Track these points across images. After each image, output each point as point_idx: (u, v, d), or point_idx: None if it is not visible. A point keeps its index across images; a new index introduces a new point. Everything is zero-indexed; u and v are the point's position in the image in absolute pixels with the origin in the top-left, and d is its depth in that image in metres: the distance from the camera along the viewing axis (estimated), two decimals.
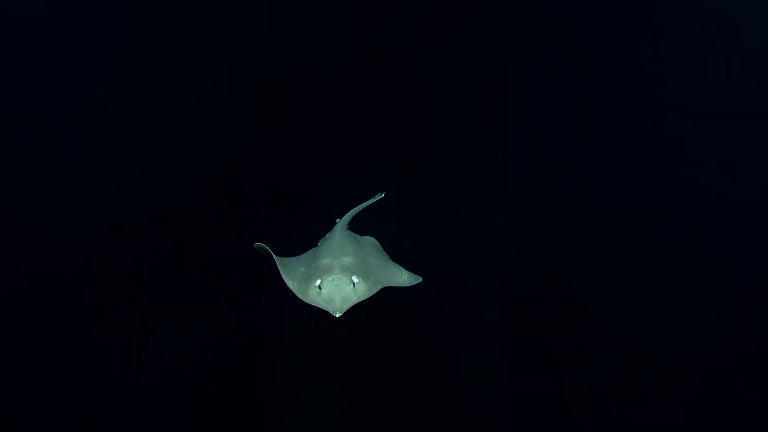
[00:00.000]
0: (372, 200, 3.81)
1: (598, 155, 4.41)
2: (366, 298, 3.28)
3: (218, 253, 3.77)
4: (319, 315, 3.27)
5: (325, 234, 3.71)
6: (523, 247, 3.92)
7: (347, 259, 3.36)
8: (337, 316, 3.12)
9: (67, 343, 3.45)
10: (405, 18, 4.78)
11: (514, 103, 4.58)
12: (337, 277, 3.22)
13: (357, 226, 3.82)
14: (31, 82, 4.36)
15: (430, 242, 3.84)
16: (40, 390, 3.31)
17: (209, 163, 4.17)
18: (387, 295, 3.40)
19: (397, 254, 3.71)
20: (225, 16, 4.66)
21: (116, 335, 3.49)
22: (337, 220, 3.75)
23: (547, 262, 3.90)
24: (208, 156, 4.20)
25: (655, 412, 3.41)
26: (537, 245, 3.97)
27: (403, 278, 3.54)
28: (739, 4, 5.02)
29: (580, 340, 3.61)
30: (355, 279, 3.24)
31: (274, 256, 3.38)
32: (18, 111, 4.28)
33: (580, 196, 4.22)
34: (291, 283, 3.34)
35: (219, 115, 4.37)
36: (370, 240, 3.80)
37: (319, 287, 3.22)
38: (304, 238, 3.75)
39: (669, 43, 4.89)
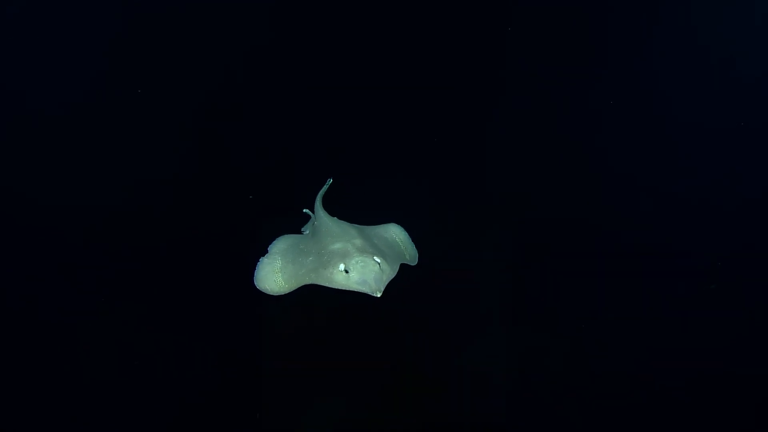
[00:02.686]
0: (326, 186, 3.87)
1: (595, 152, 4.44)
2: (392, 277, 3.26)
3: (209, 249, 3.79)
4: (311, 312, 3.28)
5: (297, 225, 3.76)
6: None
7: (358, 242, 3.35)
8: (378, 295, 3.10)
9: (66, 344, 3.46)
10: (403, 16, 4.77)
11: (511, 101, 4.59)
12: (361, 259, 3.20)
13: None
14: (31, 82, 4.35)
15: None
16: (35, 392, 3.32)
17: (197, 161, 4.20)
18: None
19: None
20: (226, 18, 4.66)
21: (113, 337, 3.49)
22: (305, 210, 3.77)
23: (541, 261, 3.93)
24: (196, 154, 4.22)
25: (656, 406, 3.44)
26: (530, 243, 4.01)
27: (407, 257, 3.59)
28: (741, 5, 5.03)
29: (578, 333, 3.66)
30: (377, 259, 3.22)
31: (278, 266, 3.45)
32: (17, 110, 4.27)
33: (578, 194, 4.24)
34: (306, 278, 3.32)
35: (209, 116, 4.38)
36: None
37: (346, 271, 3.20)
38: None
39: (666, 46, 4.90)
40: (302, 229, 3.78)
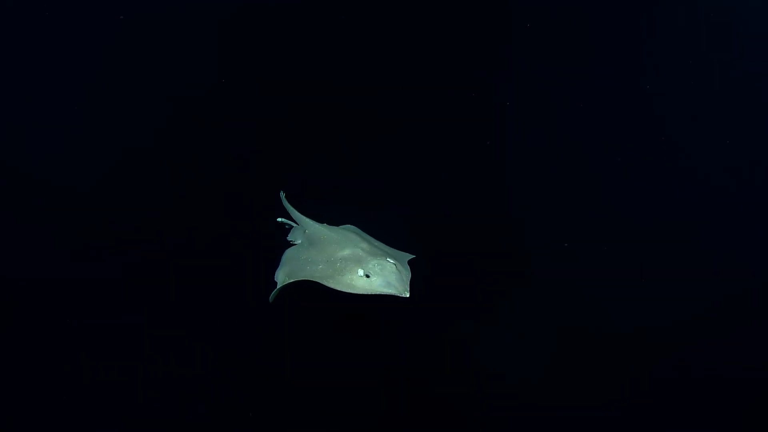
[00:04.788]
0: (284, 199, 3.84)
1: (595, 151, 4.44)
2: (410, 276, 3.22)
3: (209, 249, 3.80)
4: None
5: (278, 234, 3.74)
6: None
7: (365, 245, 3.34)
8: (407, 296, 3.07)
9: (66, 344, 3.47)
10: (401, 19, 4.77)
11: (513, 99, 4.58)
12: (378, 262, 3.18)
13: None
14: (32, 81, 4.36)
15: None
16: (36, 391, 3.33)
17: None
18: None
19: None
20: (227, 19, 4.66)
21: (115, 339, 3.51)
22: (280, 219, 3.75)
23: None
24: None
25: (657, 401, 3.46)
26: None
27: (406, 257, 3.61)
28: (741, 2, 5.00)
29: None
30: (391, 260, 3.20)
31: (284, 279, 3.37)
32: (18, 108, 4.28)
33: (579, 195, 4.25)
34: (323, 282, 3.23)
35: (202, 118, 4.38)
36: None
37: (367, 276, 3.16)
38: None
39: (669, 40, 4.88)
40: (289, 239, 3.71)
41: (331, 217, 3.76)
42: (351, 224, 3.83)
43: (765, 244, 4.10)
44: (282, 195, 3.86)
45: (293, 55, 4.58)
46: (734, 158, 4.44)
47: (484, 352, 3.58)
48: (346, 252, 3.30)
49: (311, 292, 3.35)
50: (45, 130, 4.19)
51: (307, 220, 3.67)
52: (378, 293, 3.11)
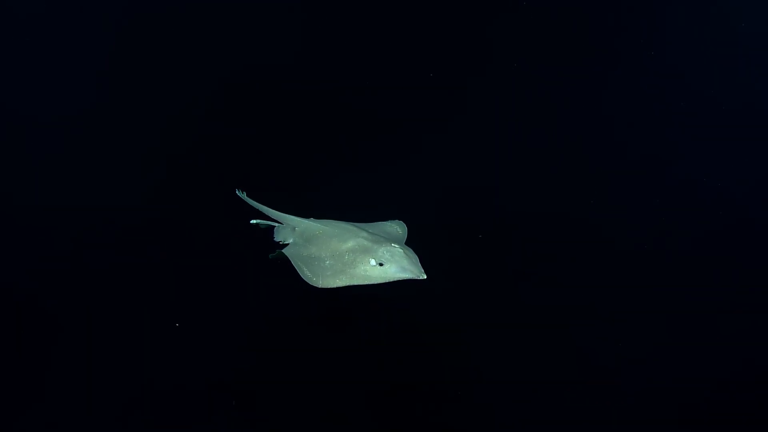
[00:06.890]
0: (247, 198, 3.78)
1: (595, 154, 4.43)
2: (418, 259, 3.17)
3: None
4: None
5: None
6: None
7: (365, 233, 3.32)
8: (425, 277, 3.04)
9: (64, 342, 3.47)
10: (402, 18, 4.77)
11: (513, 101, 4.58)
12: (386, 249, 3.14)
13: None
14: (33, 83, 4.36)
15: None
16: (34, 389, 3.33)
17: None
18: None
19: None
20: (227, 20, 4.66)
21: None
22: (253, 221, 3.69)
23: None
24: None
25: (660, 402, 3.45)
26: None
27: (399, 232, 3.66)
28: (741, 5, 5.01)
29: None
30: (395, 245, 3.18)
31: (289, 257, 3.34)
32: (19, 112, 4.28)
33: (578, 198, 4.24)
34: (337, 281, 3.17)
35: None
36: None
37: (380, 264, 3.12)
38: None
39: (670, 44, 4.88)
40: (277, 240, 3.62)
41: (332, 217, 3.75)
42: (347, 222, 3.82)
43: (765, 244, 4.10)
44: (243, 194, 3.78)
45: (293, 55, 4.59)
46: (735, 158, 4.44)
47: (483, 351, 3.58)
48: (350, 244, 3.27)
49: (311, 290, 3.36)
50: (45, 130, 4.20)
51: (291, 217, 3.62)
52: (394, 280, 3.09)
